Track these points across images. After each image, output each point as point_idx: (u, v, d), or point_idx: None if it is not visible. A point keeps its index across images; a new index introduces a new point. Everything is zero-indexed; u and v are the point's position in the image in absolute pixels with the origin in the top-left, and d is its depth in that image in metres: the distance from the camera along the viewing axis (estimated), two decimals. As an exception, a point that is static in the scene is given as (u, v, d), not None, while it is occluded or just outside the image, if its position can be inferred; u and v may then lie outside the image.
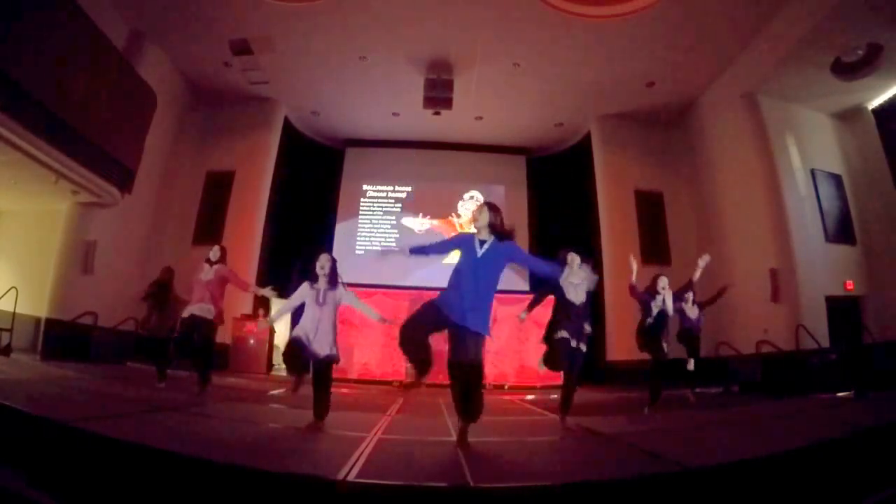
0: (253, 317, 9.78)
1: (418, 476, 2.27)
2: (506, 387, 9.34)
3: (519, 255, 2.95)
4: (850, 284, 8.48)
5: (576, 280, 3.87)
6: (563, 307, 3.85)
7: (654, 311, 4.98)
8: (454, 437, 2.97)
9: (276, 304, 10.96)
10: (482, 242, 2.86)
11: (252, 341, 9.48)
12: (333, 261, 3.58)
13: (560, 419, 3.78)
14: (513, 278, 11.89)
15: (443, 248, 3.03)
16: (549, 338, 3.89)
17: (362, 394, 7.04)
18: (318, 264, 3.53)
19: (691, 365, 5.37)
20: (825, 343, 7.67)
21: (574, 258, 3.94)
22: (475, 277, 2.78)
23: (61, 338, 7.70)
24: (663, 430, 3.80)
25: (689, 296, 5.88)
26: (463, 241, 2.94)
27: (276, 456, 2.53)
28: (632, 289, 5.03)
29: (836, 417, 4.14)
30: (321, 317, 3.43)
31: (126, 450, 2.20)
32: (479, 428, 2.95)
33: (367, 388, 8.20)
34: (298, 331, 3.43)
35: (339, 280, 3.58)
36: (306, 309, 3.51)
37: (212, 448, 2.50)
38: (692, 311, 5.94)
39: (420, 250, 3.05)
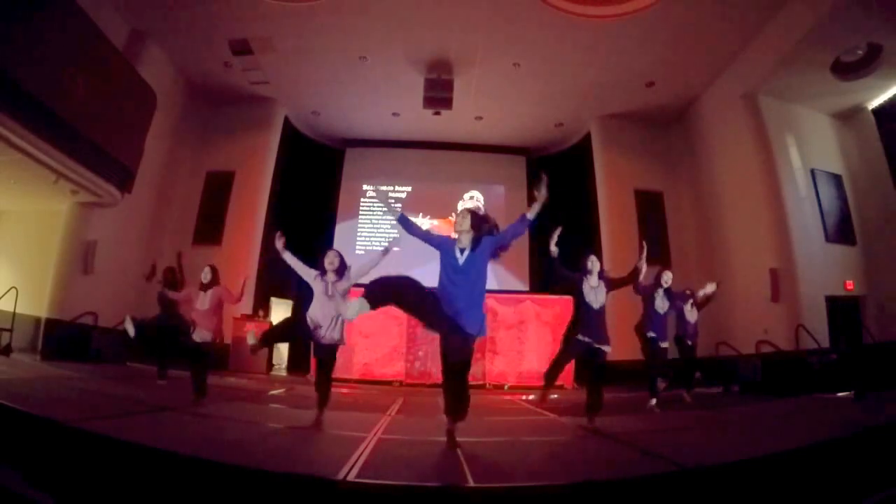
0: (253, 317, 9.78)
1: (418, 476, 2.27)
2: (506, 387, 9.33)
3: (496, 242, 2.85)
4: (850, 284, 8.47)
5: (594, 283, 3.91)
6: (583, 310, 3.87)
7: (658, 305, 5.17)
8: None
9: (276, 304, 10.98)
10: (462, 251, 2.79)
11: (252, 341, 9.45)
12: (341, 256, 3.74)
13: (588, 419, 3.78)
14: (512, 279, 11.90)
15: (425, 237, 2.98)
16: (567, 338, 3.91)
17: (362, 394, 7.04)
18: (326, 260, 3.68)
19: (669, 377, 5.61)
20: (825, 343, 7.66)
21: (595, 263, 3.98)
22: (458, 284, 2.72)
23: (61, 338, 7.70)
24: (663, 430, 3.80)
25: (691, 299, 5.94)
26: (444, 246, 2.86)
27: (276, 456, 2.53)
28: (636, 285, 5.14)
29: (836, 417, 4.14)
30: (330, 309, 3.58)
31: (126, 450, 2.20)
32: (480, 428, 2.95)
33: (367, 388, 8.19)
34: (308, 317, 3.59)
35: (347, 268, 3.74)
36: (315, 300, 3.64)
37: (212, 448, 2.50)
38: (691, 315, 5.95)
39: (406, 222, 3.04)
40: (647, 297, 5.24)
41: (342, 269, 3.68)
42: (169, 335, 5.14)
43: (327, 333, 3.56)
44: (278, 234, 3.81)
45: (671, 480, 2.17)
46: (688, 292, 6.04)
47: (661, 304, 5.22)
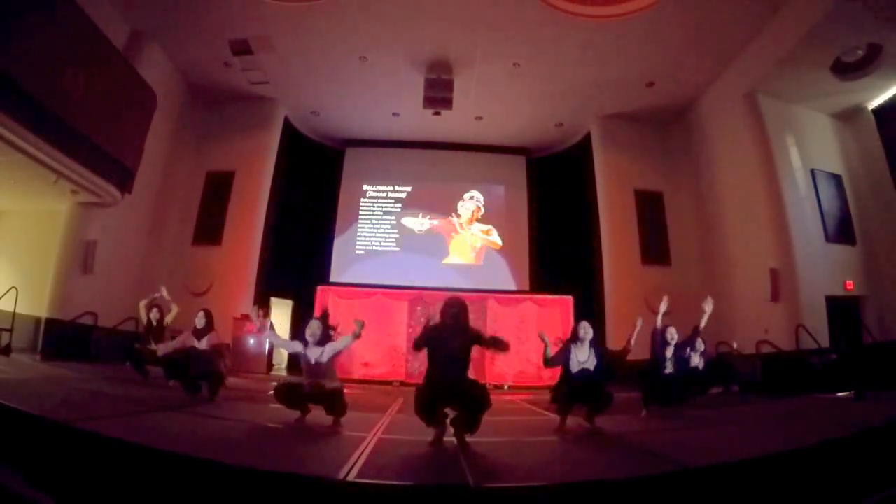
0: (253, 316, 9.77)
1: (418, 476, 2.27)
2: (506, 387, 9.34)
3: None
4: (850, 284, 8.46)
5: (582, 357, 3.73)
6: (568, 380, 3.74)
7: (668, 367, 4.87)
8: (454, 438, 2.98)
9: (276, 304, 10.98)
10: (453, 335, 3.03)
11: (252, 341, 9.47)
12: (323, 325, 3.63)
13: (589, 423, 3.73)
14: (512, 279, 11.90)
15: (421, 344, 3.18)
16: (555, 398, 3.82)
17: (362, 394, 7.04)
18: (308, 332, 3.58)
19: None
20: (825, 343, 7.65)
21: (588, 330, 3.77)
22: (453, 364, 3.01)
23: (61, 338, 7.70)
24: (663, 430, 3.80)
25: (699, 344, 5.59)
26: (433, 336, 3.09)
27: (276, 456, 2.53)
28: (654, 334, 4.92)
29: (836, 417, 4.14)
30: (313, 378, 3.53)
31: (126, 450, 2.20)
32: (480, 428, 2.95)
33: (368, 388, 8.19)
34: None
35: (331, 332, 3.64)
36: (303, 371, 3.60)
37: (212, 448, 2.50)
38: (698, 361, 5.63)
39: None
40: (657, 358, 4.91)
41: (324, 339, 3.59)
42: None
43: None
44: (261, 315, 3.80)
45: (671, 480, 2.17)
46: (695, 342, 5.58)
47: (671, 365, 4.88)
